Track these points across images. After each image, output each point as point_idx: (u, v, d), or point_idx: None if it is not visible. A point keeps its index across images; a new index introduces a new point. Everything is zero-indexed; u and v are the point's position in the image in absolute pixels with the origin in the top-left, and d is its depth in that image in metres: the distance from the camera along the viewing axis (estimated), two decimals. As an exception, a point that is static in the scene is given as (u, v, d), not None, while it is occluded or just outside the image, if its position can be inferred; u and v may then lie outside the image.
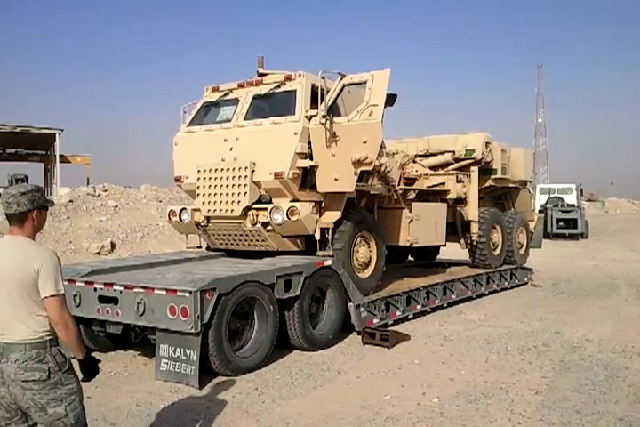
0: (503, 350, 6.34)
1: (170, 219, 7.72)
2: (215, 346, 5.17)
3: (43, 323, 2.66)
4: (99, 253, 14.44)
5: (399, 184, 8.28)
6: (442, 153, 10.10)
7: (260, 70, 7.45)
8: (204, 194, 7.09)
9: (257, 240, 7.06)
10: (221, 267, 6.28)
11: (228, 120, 7.25)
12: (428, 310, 8.28)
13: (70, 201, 17.35)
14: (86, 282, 5.74)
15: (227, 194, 6.90)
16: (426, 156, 10.21)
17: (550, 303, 9.31)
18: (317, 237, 6.81)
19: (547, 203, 26.28)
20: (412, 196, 8.60)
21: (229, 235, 7.24)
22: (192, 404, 4.69)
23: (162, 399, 4.78)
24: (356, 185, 6.70)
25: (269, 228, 6.78)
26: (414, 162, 9.72)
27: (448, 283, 8.86)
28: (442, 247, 10.80)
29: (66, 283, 3.14)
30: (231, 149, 6.99)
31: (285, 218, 6.57)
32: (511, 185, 11.45)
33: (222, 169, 6.93)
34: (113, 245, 15.09)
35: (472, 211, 9.75)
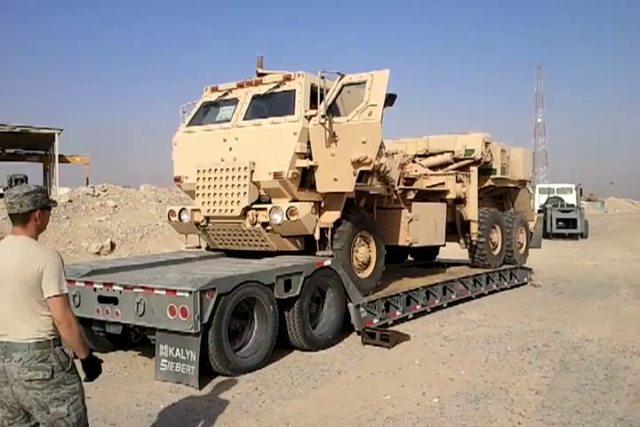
0: (503, 350, 6.34)
1: (169, 219, 7.72)
2: (215, 346, 5.17)
3: (46, 322, 2.67)
4: (98, 253, 14.44)
5: (399, 184, 8.29)
6: (441, 153, 10.09)
7: (260, 70, 7.45)
8: (203, 194, 7.08)
9: (256, 240, 7.06)
10: (221, 267, 6.27)
11: (228, 120, 7.25)
12: (428, 310, 8.28)
13: (70, 201, 17.34)
14: (86, 282, 5.74)
15: (226, 194, 6.89)
16: (425, 156, 10.21)
17: (550, 303, 9.31)
18: (317, 237, 6.81)
19: (546, 203, 26.28)
20: (411, 196, 8.60)
21: (229, 235, 7.24)
22: (192, 404, 4.69)
23: (162, 400, 4.78)
24: (356, 185, 6.70)
25: (269, 228, 6.78)
26: (414, 162, 9.72)
27: (448, 283, 8.86)
28: (441, 247, 10.80)
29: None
30: (230, 149, 6.99)
31: (285, 218, 6.57)
32: (511, 185, 11.45)
33: (222, 169, 6.93)
34: (112, 246, 15.09)
35: (471, 211, 9.74)
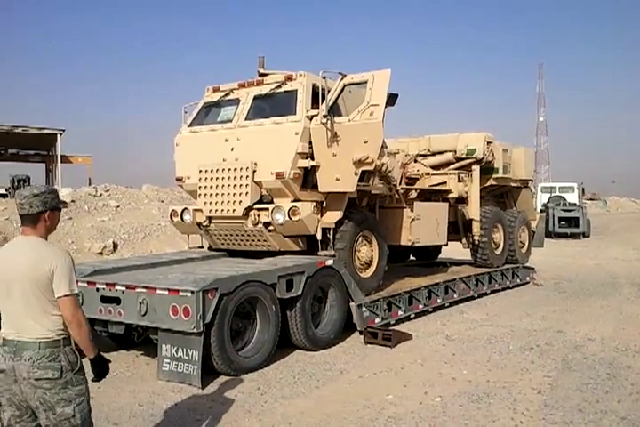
0: (505, 349, 6.33)
1: (171, 219, 7.74)
2: (217, 346, 5.17)
3: (57, 322, 2.69)
4: (101, 253, 14.47)
5: (400, 184, 8.29)
6: (443, 152, 10.09)
7: (261, 70, 7.46)
8: (205, 194, 7.09)
9: (258, 240, 7.07)
10: (223, 267, 6.28)
11: (230, 120, 7.25)
12: (430, 310, 8.28)
13: (72, 201, 17.39)
14: (88, 282, 5.75)
15: (228, 194, 6.90)
16: (427, 155, 10.21)
17: (552, 302, 9.30)
18: (319, 236, 6.81)
19: (548, 202, 26.28)
20: (413, 195, 8.60)
21: (231, 235, 7.25)
22: (194, 404, 4.70)
23: (164, 399, 4.79)
24: (358, 185, 6.70)
25: (271, 228, 6.79)
26: (416, 161, 9.72)
27: (450, 282, 8.86)
28: (443, 247, 10.79)
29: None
30: (232, 150, 7.00)
31: (287, 218, 6.58)
32: (512, 184, 11.44)
33: (224, 169, 6.94)
34: (115, 246, 15.13)
35: (473, 210, 9.74)
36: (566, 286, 10.99)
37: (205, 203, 7.10)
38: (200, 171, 7.11)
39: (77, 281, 5.92)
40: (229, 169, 6.89)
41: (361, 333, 6.75)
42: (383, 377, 5.39)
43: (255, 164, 6.75)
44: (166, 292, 5.17)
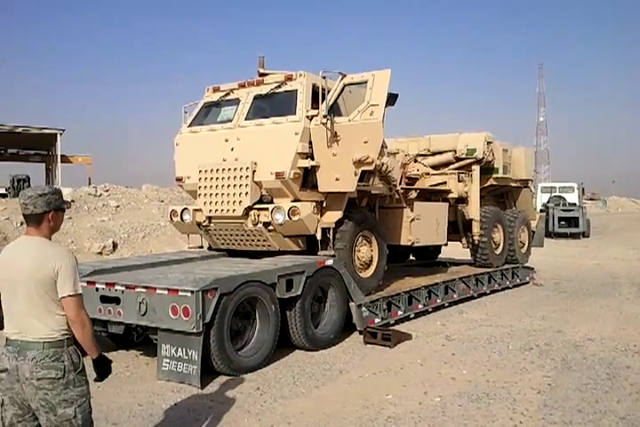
0: (505, 349, 6.34)
1: (171, 219, 7.74)
2: (217, 346, 5.17)
3: (61, 322, 2.71)
4: (100, 253, 14.46)
5: (400, 184, 8.29)
6: (443, 152, 10.09)
7: (261, 70, 7.46)
8: (205, 194, 7.09)
9: (258, 240, 7.07)
10: (223, 267, 6.28)
11: (230, 120, 7.26)
12: (430, 310, 8.29)
13: (72, 201, 17.38)
14: (88, 282, 5.75)
15: (228, 194, 6.90)
16: (427, 155, 10.21)
17: (552, 302, 9.30)
18: (319, 236, 6.81)
19: (548, 202, 26.29)
20: (413, 195, 8.60)
21: (231, 235, 7.25)
22: (194, 404, 4.70)
23: (164, 399, 4.79)
24: (357, 185, 6.70)
25: (271, 228, 6.79)
26: (415, 161, 9.72)
27: (449, 282, 8.86)
28: (443, 247, 10.79)
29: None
30: (232, 150, 7.00)
31: (287, 218, 6.58)
32: (512, 184, 11.44)
33: (224, 169, 6.94)
34: (115, 245, 15.12)
35: (473, 210, 9.74)
36: (566, 286, 10.99)
37: (205, 203, 7.10)
38: (200, 171, 7.11)
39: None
40: (229, 169, 6.89)
41: (360, 333, 6.75)
42: (383, 377, 5.39)
43: (255, 164, 6.75)
44: (166, 292, 5.17)
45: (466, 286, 9.31)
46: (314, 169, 6.72)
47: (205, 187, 7.09)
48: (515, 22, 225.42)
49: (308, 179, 6.82)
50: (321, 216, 6.91)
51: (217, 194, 6.99)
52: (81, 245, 14.55)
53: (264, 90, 7.22)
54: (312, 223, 6.73)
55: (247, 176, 6.75)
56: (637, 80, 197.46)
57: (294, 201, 6.76)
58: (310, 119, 6.68)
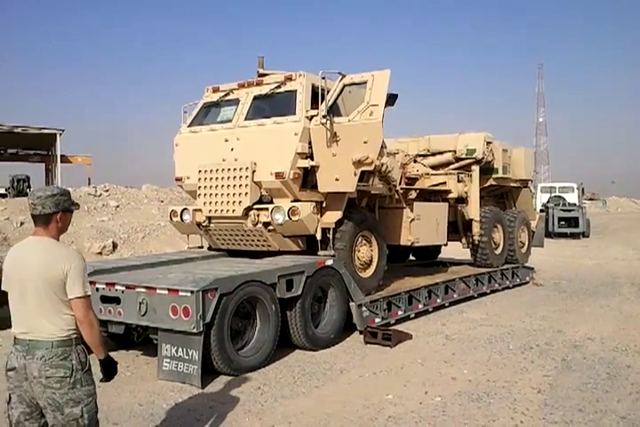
0: (505, 348, 6.34)
1: (171, 219, 7.74)
2: (217, 346, 5.18)
3: (69, 321, 2.73)
4: (100, 253, 14.47)
5: (400, 184, 8.29)
6: (443, 152, 10.09)
7: (261, 70, 7.46)
8: (205, 194, 7.10)
9: (258, 240, 7.07)
10: (223, 267, 6.28)
11: (229, 120, 7.26)
12: (430, 310, 8.29)
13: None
14: (88, 282, 5.73)
15: (228, 194, 6.91)
16: (427, 155, 10.21)
17: (552, 302, 9.31)
18: (319, 236, 6.82)
19: (548, 202, 26.30)
20: (413, 195, 8.60)
21: (231, 235, 7.25)
22: (194, 403, 4.70)
23: (164, 399, 4.79)
24: (357, 185, 6.70)
25: (270, 228, 6.79)
26: (415, 161, 9.72)
27: (450, 282, 8.86)
28: (443, 247, 10.79)
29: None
30: (232, 150, 7.00)
31: (286, 218, 6.58)
32: (512, 184, 11.45)
33: (223, 169, 6.94)
34: (115, 246, 15.13)
35: (473, 210, 9.74)
36: (566, 286, 10.99)
37: (205, 203, 7.10)
38: (200, 171, 7.11)
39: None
40: (229, 169, 6.89)
41: (361, 332, 6.75)
42: (383, 377, 5.40)
43: (255, 164, 6.75)
44: (166, 292, 5.17)
45: (466, 285, 9.31)
46: (313, 169, 6.73)
47: (205, 187, 7.09)
48: (515, 22, 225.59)
49: (307, 179, 6.82)
50: (321, 216, 6.91)
51: (217, 194, 6.99)
52: (81, 245, 14.55)
53: (264, 90, 7.22)
54: (312, 223, 6.74)
55: (247, 176, 6.76)
56: (637, 80, 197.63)
57: (294, 201, 6.76)
58: (310, 119, 6.68)
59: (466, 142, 9.92)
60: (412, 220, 8.05)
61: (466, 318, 8.03)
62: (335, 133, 6.51)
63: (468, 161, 9.86)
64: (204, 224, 7.32)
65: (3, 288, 2.85)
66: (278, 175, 6.61)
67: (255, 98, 7.25)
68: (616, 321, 7.77)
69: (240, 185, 6.81)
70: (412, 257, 11.70)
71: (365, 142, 6.39)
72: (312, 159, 6.67)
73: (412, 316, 7.85)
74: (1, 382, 4.72)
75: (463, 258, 11.09)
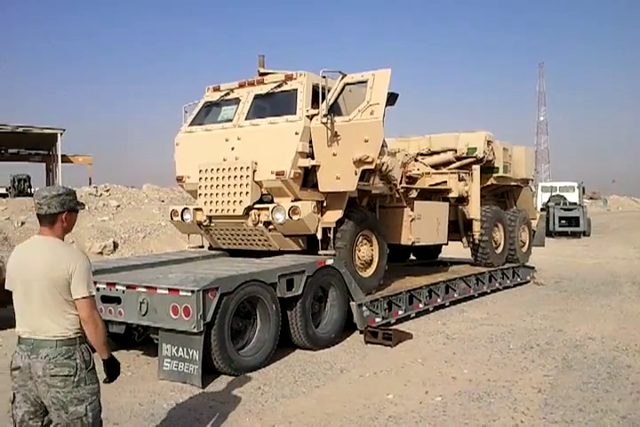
0: (506, 348, 6.34)
1: (172, 219, 7.74)
2: (218, 345, 5.18)
3: (73, 321, 2.74)
4: (101, 252, 14.48)
5: (401, 183, 8.29)
6: (444, 151, 10.09)
7: (261, 70, 7.46)
8: (205, 194, 7.09)
9: (259, 240, 7.07)
10: (223, 266, 6.28)
11: (230, 120, 7.25)
12: (431, 309, 8.29)
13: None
14: (90, 282, 5.74)
15: (228, 193, 6.90)
16: (427, 154, 10.20)
17: (553, 302, 9.30)
18: (319, 236, 6.81)
19: (549, 201, 26.28)
20: (413, 194, 8.60)
21: (231, 234, 7.25)
22: (195, 403, 4.70)
23: (165, 399, 4.79)
24: (358, 184, 6.70)
25: (271, 227, 6.79)
26: (416, 161, 9.71)
27: (450, 281, 8.86)
28: (444, 246, 10.79)
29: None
30: (233, 149, 7.00)
31: (287, 217, 6.58)
32: (513, 183, 11.45)
33: (224, 169, 6.94)
34: (115, 245, 15.13)
35: (474, 209, 9.73)
36: (567, 285, 10.99)
37: (206, 202, 7.10)
38: (200, 170, 7.11)
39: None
40: (230, 168, 6.89)
41: (361, 332, 6.75)
42: (383, 376, 5.40)
43: (255, 163, 6.75)
44: (167, 291, 5.17)
45: (466, 285, 9.31)
46: (314, 168, 6.72)
47: (206, 186, 7.09)
48: (515, 22, 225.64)
49: (308, 178, 6.82)
50: (321, 216, 6.91)
51: (217, 193, 6.99)
52: (82, 244, 14.56)
53: (264, 89, 7.22)
54: (312, 223, 6.73)
55: (247, 176, 6.75)
56: (637, 80, 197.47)
57: (295, 200, 6.76)
58: (310, 119, 6.68)
59: (466, 141, 9.91)
60: (413, 219, 8.05)
61: (466, 318, 8.02)
62: (336, 133, 6.51)
63: (469, 160, 9.85)
64: (204, 224, 7.32)
65: (7, 287, 2.86)
66: (279, 174, 6.60)
67: (256, 97, 7.25)
68: (617, 320, 7.76)
69: (241, 184, 6.81)
70: (412, 256, 11.69)
71: (366, 141, 6.39)
72: (313, 158, 6.66)
73: (413, 315, 7.85)
74: (2, 381, 4.73)
75: (464, 257, 11.09)
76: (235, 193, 6.85)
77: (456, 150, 9.92)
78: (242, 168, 6.80)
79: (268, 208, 6.74)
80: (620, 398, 4.72)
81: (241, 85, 7.47)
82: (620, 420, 4.28)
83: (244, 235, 7.12)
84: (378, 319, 7.06)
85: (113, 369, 2.91)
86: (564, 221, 24.40)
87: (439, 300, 8.50)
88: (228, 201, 6.90)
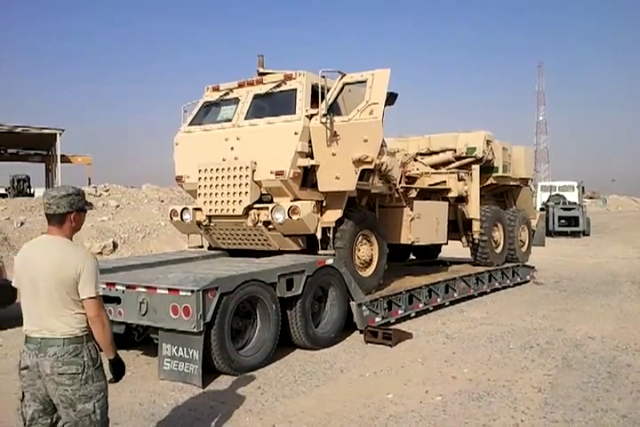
0: (506, 347, 6.34)
1: (171, 218, 7.74)
2: (218, 345, 5.18)
3: (80, 319, 2.76)
4: (101, 252, 14.47)
5: (400, 183, 8.29)
6: (443, 151, 10.09)
7: (261, 70, 7.45)
8: (205, 193, 7.09)
9: (258, 239, 7.07)
10: (223, 266, 6.28)
11: (229, 120, 7.25)
12: (431, 309, 8.29)
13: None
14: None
15: (228, 193, 6.90)
16: (427, 154, 10.21)
17: (552, 301, 9.30)
18: (319, 235, 6.81)
19: (548, 201, 26.30)
20: (413, 194, 8.60)
21: (231, 234, 7.25)
22: (195, 403, 4.70)
23: (165, 399, 4.79)
24: (357, 184, 6.70)
25: (271, 227, 6.79)
26: (415, 160, 9.71)
27: (450, 281, 8.86)
28: (443, 246, 10.79)
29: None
30: (232, 149, 7.00)
31: (287, 217, 6.58)
32: (512, 183, 11.45)
33: (223, 168, 6.94)
34: (115, 245, 15.12)
35: (473, 209, 9.74)
36: (566, 285, 10.99)
37: (205, 202, 7.10)
38: (200, 170, 7.11)
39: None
40: (229, 168, 6.89)
41: (361, 332, 6.75)
42: (383, 376, 5.39)
43: (255, 163, 6.75)
44: (166, 291, 5.17)
45: (466, 284, 9.31)
46: (313, 168, 6.72)
47: (205, 186, 7.08)
48: (515, 22, 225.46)
49: (307, 178, 6.82)
50: (321, 215, 6.91)
51: (217, 193, 6.99)
52: (81, 245, 14.55)
53: (263, 89, 7.21)
54: (312, 222, 6.73)
55: (247, 175, 6.75)
56: (637, 80, 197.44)
57: (294, 200, 6.75)
58: (310, 118, 6.68)
59: (466, 141, 9.91)
60: (413, 219, 8.05)
61: (466, 317, 8.03)
62: (335, 132, 6.51)
63: (469, 160, 9.85)
64: (204, 223, 7.31)
65: (14, 285, 2.90)
66: (278, 174, 6.60)
67: (255, 97, 7.25)
68: (616, 320, 7.77)
69: (240, 184, 6.81)
70: (412, 256, 11.70)
71: (365, 141, 6.39)
72: (312, 158, 6.66)
73: (413, 315, 7.85)
74: (6, 381, 4.73)
75: (463, 257, 11.09)
76: (234, 193, 6.85)
77: (455, 150, 9.93)
78: (241, 168, 6.80)
79: (267, 208, 6.74)
80: (621, 398, 4.72)
81: (240, 85, 7.47)
82: (620, 419, 4.28)
83: (243, 235, 7.12)
84: (378, 319, 7.06)
85: (119, 369, 2.94)
86: (563, 221, 24.42)
87: (439, 299, 8.50)
88: (228, 201, 6.90)
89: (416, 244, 8.28)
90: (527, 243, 11.69)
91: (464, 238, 10.11)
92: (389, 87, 6.66)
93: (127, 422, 4.34)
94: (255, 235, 7.01)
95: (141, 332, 5.89)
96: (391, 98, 7.13)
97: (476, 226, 9.76)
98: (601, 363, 5.70)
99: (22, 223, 14.95)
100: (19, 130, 28.42)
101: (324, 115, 6.46)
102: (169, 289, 5.16)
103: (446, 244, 9.89)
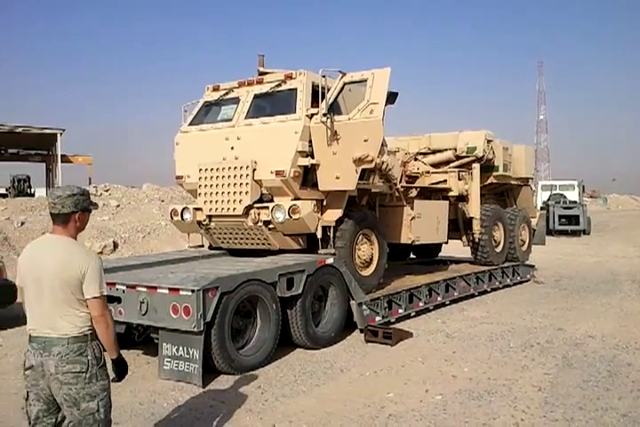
0: (506, 346, 6.34)
1: (172, 218, 7.74)
2: (218, 345, 5.18)
3: (84, 319, 2.77)
4: (101, 252, 14.47)
5: (401, 182, 8.28)
6: (443, 150, 10.09)
7: (261, 69, 7.46)
8: (205, 193, 7.09)
9: (259, 239, 7.07)
10: (224, 266, 6.29)
11: (229, 119, 7.25)
12: (431, 308, 8.29)
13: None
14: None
15: (228, 193, 6.90)
16: (427, 153, 10.20)
17: (553, 300, 9.30)
18: (319, 235, 6.81)
19: (549, 200, 26.27)
20: (413, 193, 8.60)
21: (231, 233, 7.25)
22: (195, 402, 4.71)
23: (165, 398, 4.79)
24: (358, 183, 6.70)
25: (271, 226, 6.79)
26: (416, 159, 9.71)
27: (450, 280, 8.86)
28: (444, 245, 10.79)
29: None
30: (232, 148, 7.00)
31: (287, 216, 6.58)
32: (513, 182, 11.45)
33: (224, 168, 6.94)
34: (115, 245, 15.13)
35: (474, 208, 9.73)
36: (567, 284, 10.99)
37: (205, 202, 7.10)
38: (200, 170, 7.11)
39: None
40: (229, 168, 6.89)
41: (361, 331, 6.75)
42: (384, 375, 5.40)
43: (255, 162, 6.75)
44: (167, 291, 5.18)
45: (466, 283, 9.31)
46: (314, 167, 6.72)
47: (205, 186, 7.09)
48: (515, 21, 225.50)
49: (308, 177, 6.82)
50: (321, 215, 6.91)
51: (217, 193, 6.99)
52: (82, 244, 14.56)
53: (264, 89, 7.21)
54: (312, 222, 6.73)
55: (247, 175, 6.75)
56: (637, 80, 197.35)
57: (294, 200, 6.75)
58: (310, 118, 6.68)
59: (466, 140, 9.90)
60: (413, 218, 8.05)
61: (466, 316, 8.03)
62: (335, 132, 6.51)
63: (469, 159, 9.84)
64: (204, 223, 7.32)
65: (17, 284, 2.91)
66: (279, 174, 6.60)
67: (255, 96, 7.25)
68: (617, 319, 7.77)
69: (240, 184, 6.81)
70: (412, 255, 11.69)
71: (366, 140, 6.39)
72: (312, 157, 6.66)
73: (413, 314, 7.85)
74: (6, 381, 4.73)
75: (464, 256, 11.09)
76: (234, 192, 6.85)
77: (456, 149, 9.92)
78: (241, 167, 6.80)
79: (267, 207, 6.74)
80: (621, 396, 4.72)
81: (240, 85, 7.47)
82: (620, 418, 4.28)
83: (243, 234, 7.12)
84: (378, 318, 7.06)
85: (121, 368, 2.96)
86: (563, 220, 24.39)
87: (439, 298, 8.50)
88: (228, 200, 6.90)
89: (416, 243, 8.28)
90: (527, 242, 11.68)
91: (464, 237, 10.11)
92: (390, 86, 6.66)
93: (127, 422, 4.34)
94: (255, 234, 7.02)
95: (142, 331, 5.89)
96: (391, 97, 7.12)
97: (476, 225, 9.75)
98: (601, 362, 5.71)
99: (23, 223, 14.95)
100: (19, 130, 28.42)
101: (325, 114, 6.46)
102: (169, 289, 5.17)
103: (446, 243, 9.89)
